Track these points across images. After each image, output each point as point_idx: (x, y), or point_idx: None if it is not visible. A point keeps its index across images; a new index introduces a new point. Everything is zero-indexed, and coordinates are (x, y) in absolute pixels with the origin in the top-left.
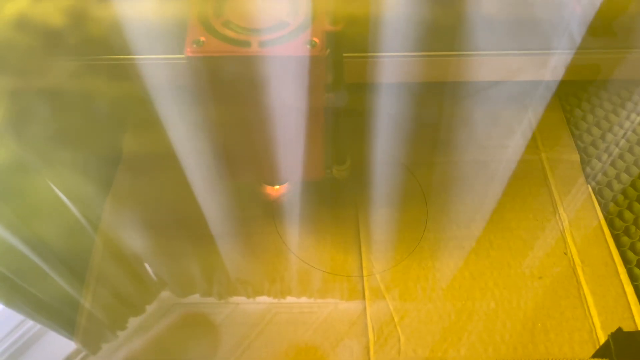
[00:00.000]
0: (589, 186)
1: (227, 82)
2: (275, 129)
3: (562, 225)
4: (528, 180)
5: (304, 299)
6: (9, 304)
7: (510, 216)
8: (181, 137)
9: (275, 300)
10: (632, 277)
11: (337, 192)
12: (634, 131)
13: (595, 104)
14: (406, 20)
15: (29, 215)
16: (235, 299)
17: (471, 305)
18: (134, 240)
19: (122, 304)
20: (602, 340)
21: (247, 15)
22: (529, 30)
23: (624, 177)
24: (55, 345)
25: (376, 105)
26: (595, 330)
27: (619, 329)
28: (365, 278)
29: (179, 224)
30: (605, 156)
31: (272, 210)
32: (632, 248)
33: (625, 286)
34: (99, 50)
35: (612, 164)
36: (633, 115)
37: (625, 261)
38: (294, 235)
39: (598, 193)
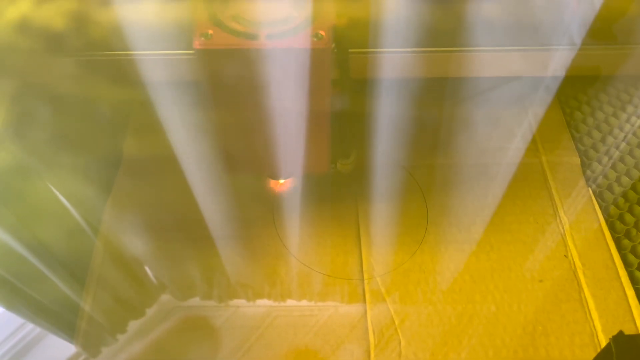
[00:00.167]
0: (590, 189)
1: (235, 75)
2: (281, 122)
3: (562, 228)
4: (528, 183)
5: (304, 302)
6: (9, 307)
7: (510, 219)
8: (181, 140)
9: (276, 303)
10: (633, 280)
11: (337, 195)
12: (634, 134)
13: (596, 106)
14: (408, 20)
15: (29, 218)
16: (235, 302)
17: (472, 308)
18: (134, 244)
19: (122, 307)
20: (603, 343)
21: (254, 9)
22: (529, 30)
23: (625, 180)
24: (55, 349)
25: (376, 108)
26: (597, 334)
27: (620, 332)
28: (365, 281)
29: (179, 227)
30: (605, 159)
31: (272, 213)
32: (633, 251)
33: (626, 289)
34: (101, 49)
35: (613, 167)
36: (633, 118)
37: (626, 264)
38: (295, 238)
39: (599, 196)
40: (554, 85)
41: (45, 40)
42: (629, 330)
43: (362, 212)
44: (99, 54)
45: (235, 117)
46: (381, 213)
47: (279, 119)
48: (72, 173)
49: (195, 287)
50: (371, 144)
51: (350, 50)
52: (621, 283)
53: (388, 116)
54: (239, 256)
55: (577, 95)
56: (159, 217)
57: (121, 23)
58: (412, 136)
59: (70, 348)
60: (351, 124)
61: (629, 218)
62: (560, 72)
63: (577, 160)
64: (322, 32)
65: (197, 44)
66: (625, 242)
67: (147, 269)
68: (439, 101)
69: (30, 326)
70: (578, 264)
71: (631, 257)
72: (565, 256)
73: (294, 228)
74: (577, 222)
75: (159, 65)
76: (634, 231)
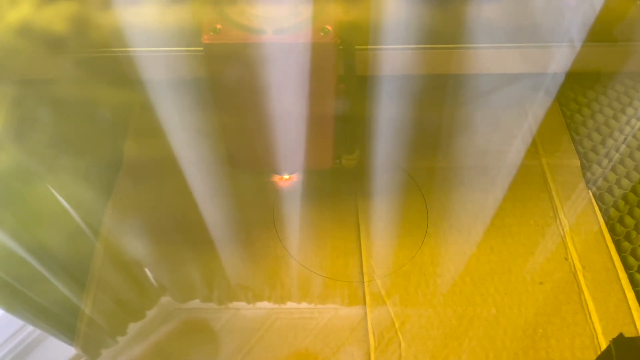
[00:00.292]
0: (590, 191)
1: (242, 69)
2: (287, 116)
3: (562, 230)
4: (528, 185)
5: (304, 305)
6: (9, 309)
7: (510, 221)
8: (182, 143)
9: (276, 306)
10: (633, 282)
11: (338, 197)
12: (634, 136)
13: (596, 109)
14: (408, 22)
15: (30, 221)
16: (235, 304)
17: (472, 310)
18: (135, 246)
19: (122, 309)
20: (604, 346)
21: (261, 4)
22: (529, 32)
23: (625, 182)
24: (56, 351)
25: (376, 110)
26: (597, 336)
27: (621, 335)
28: (366, 283)
29: (179, 229)
30: (605, 161)
31: (272, 216)
32: (633, 253)
33: (626, 292)
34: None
35: (613, 170)
36: (633, 121)
37: (626, 267)
38: (295, 240)
39: (599, 198)
40: (554, 88)
41: (46, 42)
42: (629, 333)
43: (362, 215)
44: (100, 51)
45: (242, 112)
46: (381, 215)
47: (285, 113)
48: (72, 175)
49: (196, 289)
50: (371, 146)
51: (356, 47)
52: (621, 285)
53: (388, 118)
54: (239, 258)
55: (577, 97)
56: (159, 220)
57: (122, 24)
58: (412, 138)
59: (70, 350)
60: (355, 120)
61: (629, 220)
62: (560, 74)
63: (577, 163)
64: (329, 27)
65: (205, 38)
66: (625, 244)
67: (147, 271)
68: (440, 103)
69: (30, 328)
70: (578, 266)
71: (631, 260)
72: (565, 258)
73: (294, 230)
74: (577, 225)
75: (160, 63)
76: (634, 234)
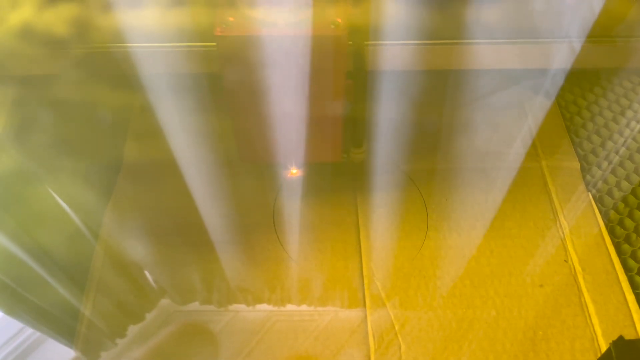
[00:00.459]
0: (590, 194)
1: (254, 61)
2: (297, 108)
3: (562, 233)
4: (528, 187)
5: (304, 307)
6: (9, 311)
7: (510, 224)
8: (182, 145)
9: (276, 308)
10: (633, 285)
11: (338, 200)
12: (634, 139)
13: (595, 112)
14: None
15: (30, 223)
16: (235, 306)
17: (472, 313)
18: (134, 248)
19: (122, 311)
20: (604, 348)
21: None
22: (529, 33)
23: (625, 184)
24: (55, 353)
25: (376, 112)
26: (597, 339)
27: (621, 337)
28: (365, 286)
29: (179, 231)
30: (605, 164)
31: (272, 218)
32: (633, 256)
33: (626, 294)
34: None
35: (613, 172)
36: (633, 123)
37: (626, 269)
38: (295, 243)
39: (598, 201)
40: (554, 90)
41: (47, 44)
42: (629, 335)
43: (362, 217)
44: (99, 52)
45: (253, 104)
46: (381, 218)
47: (295, 105)
48: (72, 177)
49: (195, 291)
50: (371, 149)
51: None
52: (621, 288)
53: (388, 119)
54: (239, 261)
55: (577, 100)
56: (159, 222)
57: (122, 25)
58: (412, 140)
59: (70, 352)
60: (364, 114)
61: (628, 223)
62: (560, 75)
63: (577, 165)
64: (339, 20)
65: (218, 30)
66: (625, 246)
67: (147, 273)
68: (439, 105)
69: (29, 330)
70: (578, 268)
71: (631, 262)
72: (565, 261)
73: (294, 233)
74: (577, 227)
75: (162, 62)
76: (633, 236)
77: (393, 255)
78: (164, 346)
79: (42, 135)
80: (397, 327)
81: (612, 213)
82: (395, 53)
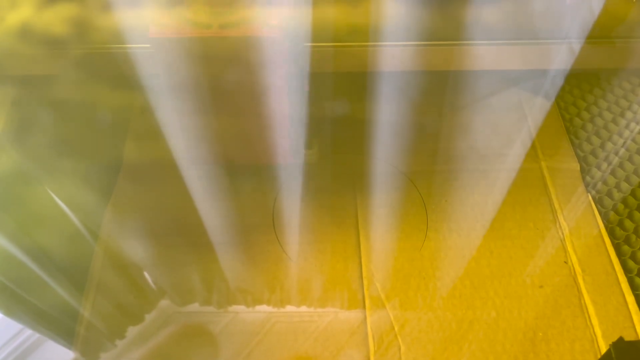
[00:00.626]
0: (589, 195)
1: (189, 63)
2: (239, 109)
3: (562, 234)
4: (528, 189)
5: (303, 308)
6: (8, 312)
7: (510, 225)
8: (181, 145)
9: (275, 309)
10: (633, 286)
11: (337, 200)
12: (633, 140)
13: (595, 113)
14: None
15: (29, 224)
16: (234, 307)
17: (472, 314)
18: (134, 249)
19: (121, 312)
20: (604, 349)
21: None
22: (528, 34)
23: (624, 185)
24: (54, 354)
25: (376, 114)
26: (597, 340)
27: (620, 339)
28: (365, 287)
29: (179, 232)
30: (605, 165)
31: (272, 219)
32: (633, 257)
33: (626, 295)
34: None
35: (612, 173)
36: (633, 125)
37: (626, 270)
38: (294, 243)
39: (598, 202)
40: (553, 91)
41: (47, 44)
42: (629, 337)
43: (361, 218)
44: (99, 52)
45: (193, 107)
46: (381, 219)
47: (236, 106)
48: (72, 178)
49: (195, 292)
50: (371, 151)
51: (310, 43)
52: (621, 289)
53: (388, 122)
54: (238, 262)
55: (577, 101)
56: (158, 223)
57: (121, 25)
58: (412, 142)
59: (69, 354)
60: (312, 116)
61: (628, 224)
62: (560, 77)
63: (577, 166)
64: (274, 22)
65: (152, 32)
66: (625, 248)
67: (146, 274)
68: (439, 107)
69: (29, 332)
70: (578, 269)
71: (631, 263)
72: (565, 262)
73: (294, 234)
74: (576, 228)
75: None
76: (633, 237)
77: (393, 256)
78: (163, 347)
79: (41, 135)
80: (396, 328)
81: (611, 214)
82: (394, 54)
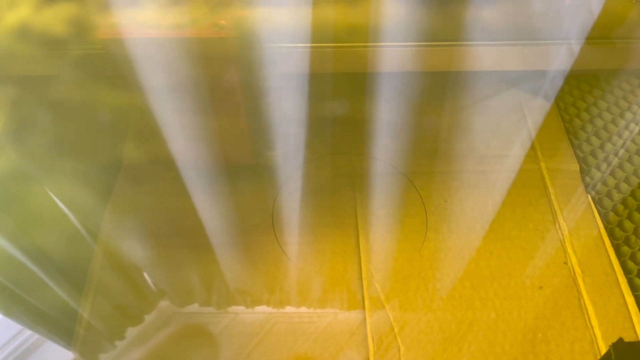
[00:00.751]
0: (589, 196)
1: (139, 64)
2: (195, 110)
3: (562, 234)
4: (528, 189)
5: (303, 309)
6: (7, 313)
7: (510, 226)
8: (181, 146)
9: (275, 310)
10: (632, 287)
11: (337, 201)
12: (633, 141)
13: (594, 113)
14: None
15: (28, 224)
16: (234, 308)
17: (471, 315)
18: (133, 250)
19: (120, 313)
20: (603, 350)
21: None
22: (528, 35)
23: (624, 186)
24: (53, 355)
25: (376, 115)
26: (596, 341)
27: (620, 340)
28: (365, 288)
29: (178, 233)
30: (604, 166)
31: (271, 220)
32: (633, 258)
33: (626, 296)
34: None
35: (612, 174)
36: (632, 125)
37: (626, 271)
38: (294, 244)
39: (598, 202)
40: (553, 92)
41: (46, 44)
42: (628, 338)
43: (361, 219)
44: (99, 52)
45: (148, 107)
46: (380, 220)
47: (190, 108)
48: (71, 179)
49: (194, 293)
50: (370, 151)
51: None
52: (621, 290)
53: (387, 122)
54: (238, 263)
55: (576, 102)
56: (158, 223)
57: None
58: (411, 142)
59: (68, 355)
60: (271, 118)
61: (628, 225)
62: (559, 77)
63: (576, 167)
64: (223, 22)
65: (101, 33)
66: (625, 248)
67: (145, 275)
68: (439, 108)
69: (28, 333)
70: (577, 270)
71: (630, 264)
72: (564, 263)
73: (293, 235)
74: (576, 229)
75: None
76: (633, 238)
77: (392, 257)
78: (163, 348)
79: (40, 135)
80: (396, 329)
81: (611, 215)
82: (394, 54)
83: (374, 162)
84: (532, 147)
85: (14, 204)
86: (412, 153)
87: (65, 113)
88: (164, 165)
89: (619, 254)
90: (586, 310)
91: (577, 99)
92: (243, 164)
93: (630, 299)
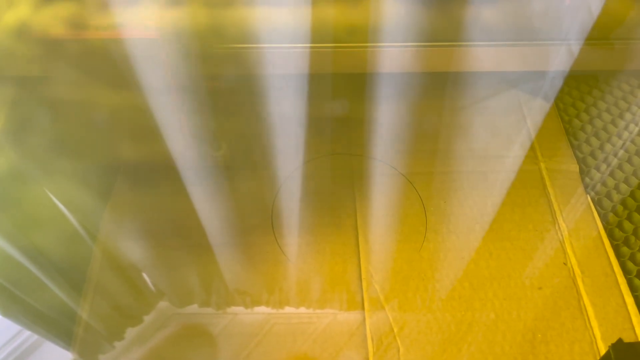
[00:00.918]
0: (588, 196)
1: (76, 64)
2: (137, 110)
3: (561, 235)
4: (527, 190)
5: (302, 309)
6: (6, 314)
7: (509, 226)
8: (181, 147)
9: (274, 311)
10: (632, 287)
11: (336, 202)
12: (632, 142)
13: (594, 114)
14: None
15: (27, 225)
16: (233, 309)
17: (471, 316)
18: (132, 250)
19: (119, 314)
20: (603, 351)
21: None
22: (527, 35)
23: (623, 187)
24: (52, 355)
25: (375, 115)
26: (596, 342)
27: (620, 340)
28: (364, 288)
29: (177, 233)
30: (604, 166)
31: (271, 220)
32: (632, 258)
33: (625, 297)
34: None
35: (611, 175)
36: (632, 126)
37: (625, 272)
38: (293, 245)
39: (597, 203)
40: (553, 93)
41: (44, 43)
42: (628, 338)
43: (360, 220)
44: (99, 47)
45: (84, 106)
46: (380, 220)
47: (124, 107)
48: (70, 179)
49: (194, 294)
50: (369, 152)
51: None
52: (620, 290)
53: (387, 123)
54: (237, 263)
55: (576, 103)
56: (157, 224)
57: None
58: (411, 143)
59: (67, 355)
60: (218, 117)
61: (627, 225)
62: (559, 78)
63: (576, 168)
64: (151, 22)
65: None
66: (624, 249)
67: (145, 275)
68: (438, 108)
69: (27, 333)
70: (577, 271)
71: (630, 265)
72: (564, 264)
73: (293, 235)
74: (576, 230)
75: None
76: (632, 239)
77: (392, 257)
78: (162, 349)
79: (39, 136)
80: (395, 330)
81: (610, 216)
82: (393, 55)
83: (374, 162)
84: (532, 148)
85: (13, 204)
86: (412, 154)
87: (64, 113)
88: (164, 166)
89: (618, 255)
90: (586, 311)
91: (577, 99)
92: (185, 165)
93: (629, 300)
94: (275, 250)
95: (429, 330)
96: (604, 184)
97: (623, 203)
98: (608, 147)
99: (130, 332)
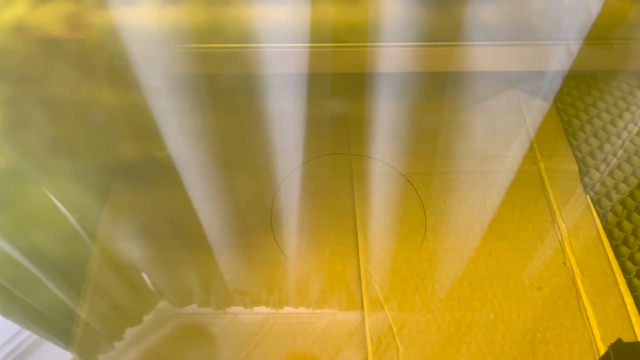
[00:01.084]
0: (588, 196)
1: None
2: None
3: (561, 235)
4: (526, 190)
5: (302, 309)
6: (5, 314)
7: (509, 226)
8: (179, 146)
9: (273, 311)
10: (631, 287)
11: (336, 202)
12: (631, 141)
13: (593, 114)
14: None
15: (25, 224)
16: (233, 309)
17: (470, 315)
18: (131, 250)
19: (118, 314)
20: (602, 351)
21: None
22: (527, 35)
23: (623, 187)
24: (51, 356)
25: (375, 115)
26: (595, 341)
27: (619, 340)
28: (363, 288)
29: (176, 233)
30: (603, 166)
31: (270, 220)
32: (631, 258)
33: (624, 297)
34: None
35: (611, 175)
36: (631, 126)
37: (625, 271)
38: (293, 245)
39: (597, 203)
40: (552, 93)
41: (42, 42)
42: (627, 338)
43: (360, 220)
44: (98, 46)
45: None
46: (379, 220)
47: (70, 105)
48: (68, 178)
49: (193, 294)
50: (369, 152)
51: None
52: (619, 290)
53: (386, 123)
54: (236, 263)
55: (575, 102)
56: (156, 224)
57: (117, 24)
58: (410, 143)
59: (67, 355)
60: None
61: (626, 225)
62: (558, 78)
63: (575, 168)
64: (78, 23)
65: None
66: (624, 249)
67: (144, 275)
68: (437, 108)
69: (26, 333)
70: (576, 271)
71: (629, 265)
72: (563, 263)
73: (292, 235)
74: (575, 230)
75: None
76: (632, 238)
77: (391, 257)
78: (161, 349)
79: (37, 135)
80: (395, 330)
81: (610, 215)
82: (393, 54)
83: (373, 162)
84: (531, 148)
85: (11, 203)
86: (411, 153)
87: (62, 112)
88: (163, 165)
89: (617, 255)
90: (585, 310)
91: (576, 99)
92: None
93: (629, 300)
94: (275, 250)
95: (429, 330)
96: (603, 183)
97: (622, 203)
98: (607, 147)
99: (130, 332)
